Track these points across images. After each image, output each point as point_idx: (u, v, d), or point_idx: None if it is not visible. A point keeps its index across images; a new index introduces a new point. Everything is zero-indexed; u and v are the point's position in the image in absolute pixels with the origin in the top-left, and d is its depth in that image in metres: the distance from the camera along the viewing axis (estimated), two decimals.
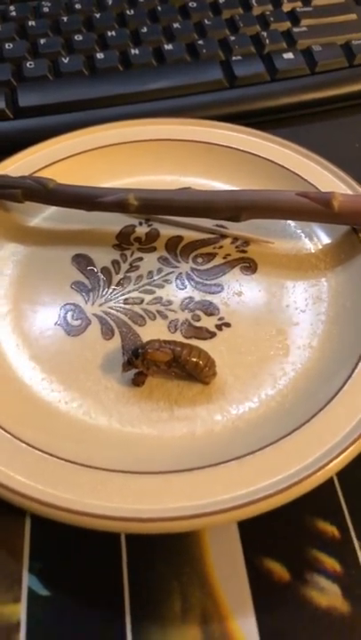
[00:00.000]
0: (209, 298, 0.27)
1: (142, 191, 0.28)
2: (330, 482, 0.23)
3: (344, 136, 0.36)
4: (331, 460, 0.21)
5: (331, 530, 0.22)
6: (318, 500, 0.22)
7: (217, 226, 0.29)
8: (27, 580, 0.21)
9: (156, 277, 0.28)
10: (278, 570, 0.21)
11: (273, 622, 0.20)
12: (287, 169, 0.31)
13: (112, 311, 0.26)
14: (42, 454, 0.21)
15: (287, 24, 0.40)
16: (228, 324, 0.26)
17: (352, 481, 0.23)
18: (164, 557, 0.21)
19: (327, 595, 0.21)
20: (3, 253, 0.28)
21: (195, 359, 0.23)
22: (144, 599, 0.21)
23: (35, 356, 0.25)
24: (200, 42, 0.39)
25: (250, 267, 0.28)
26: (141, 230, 0.30)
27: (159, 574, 0.21)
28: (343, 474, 0.22)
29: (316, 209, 0.26)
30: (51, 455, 0.21)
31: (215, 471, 0.21)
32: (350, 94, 0.38)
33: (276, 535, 0.22)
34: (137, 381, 0.24)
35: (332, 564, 0.21)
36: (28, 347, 0.25)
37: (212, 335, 0.25)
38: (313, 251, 0.28)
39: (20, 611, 0.20)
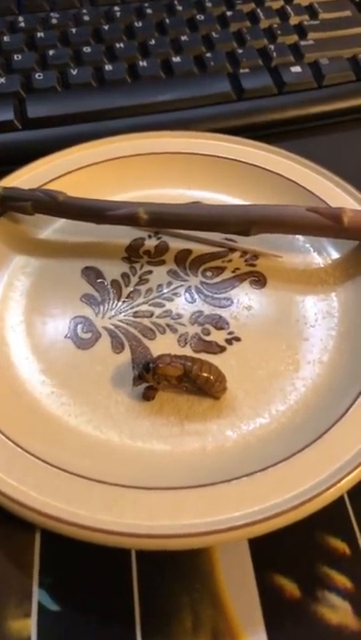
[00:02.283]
0: (218, 312, 0.27)
1: (152, 205, 0.28)
2: (340, 498, 0.23)
3: (351, 149, 0.36)
4: (343, 478, 0.21)
5: (341, 546, 0.22)
6: (329, 517, 0.22)
7: (226, 239, 0.29)
8: (37, 595, 0.21)
9: (165, 291, 0.28)
10: (289, 587, 0.21)
11: (284, 639, 0.20)
12: (295, 182, 0.31)
13: (122, 324, 0.27)
14: (53, 469, 0.21)
15: (294, 37, 0.40)
16: (237, 339, 0.26)
17: None
18: (175, 573, 0.21)
19: (338, 612, 0.21)
20: (13, 265, 0.29)
21: (205, 374, 0.23)
22: (155, 615, 0.21)
23: (44, 369, 0.25)
24: (208, 54, 0.39)
25: (259, 281, 0.28)
26: (150, 243, 0.30)
27: (170, 590, 0.21)
28: (353, 490, 0.22)
29: (326, 224, 0.27)
30: (62, 470, 0.21)
31: (227, 487, 0.21)
32: (357, 107, 0.38)
33: (287, 552, 0.22)
34: (147, 396, 0.24)
35: (342, 580, 0.21)
36: (37, 360, 0.25)
37: (222, 349, 0.26)
38: (322, 265, 0.29)
39: (31, 625, 0.20)
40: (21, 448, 0.22)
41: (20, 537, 0.22)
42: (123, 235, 0.30)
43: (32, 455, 0.22)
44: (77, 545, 0.20)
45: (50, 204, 0.28)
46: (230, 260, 0.29)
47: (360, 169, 0.35)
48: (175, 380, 0.23)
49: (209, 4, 0.42)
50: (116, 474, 0.21)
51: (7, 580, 0.21)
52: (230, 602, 0.21)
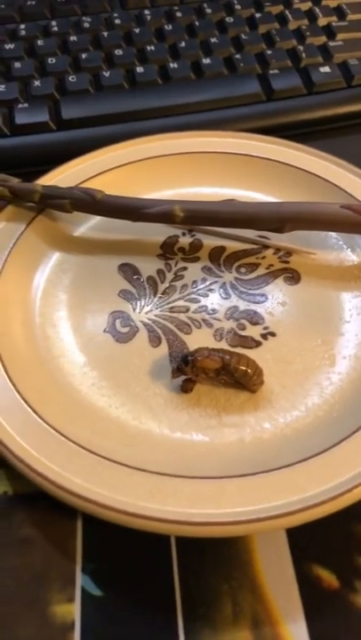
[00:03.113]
0: (253, 307, 0.27)
1: (188, 203, 0.29)
2: None
3: None
4: None
5: None
6: None
7: (259, 237, 0.30)
8: (80, 580, 0.22)
9: (200, 286, 0.28)
10: (327, 577, 0.22)
11: (323, 629, 0.20)
12: (327, 181, 0.31)
13: (158, 319, 0.27)
14: (97, 457, 0.22)
15: (323, 38, 0.41)
16: (273, 334, 0.26)
17: None
18: (214, 561, 0.22)
19: None
20: (52, 262, 0.29)
21: (244, 367, 0.24)
22: (196, 601, 0.21)
23: (85, 362, 0.26)
24: (237, 56, 0.39)
25: (293, 277, 0.28)
26: (185, 240, 0.30)
27: (209, 578, 0.22)
28: None
29: (360, 221, 0.27)
30: (105, 458, 0.22)
31: (266, 477, 0.21)
32: None
33: (325, 542, 0.22)
34: (185, 388, 0.25)
35: None
36: (78, 353, 0.26)
37: (258, 344, 0.26)
38: (356, 262, 0.29)
39: (75, 610, 0.21)
40: (65, 437, 0.22)
41: (63, 523, 0.23)
42: (157, 232, 0.31)
43: (75, 443, 0.22)
44: (119, 532, 0.21)
45: (88, 201, 0.29)
46: (264, 257, 0.29)
47: None
48: (213, 372, 0.24)
49: (238, 7, 0.43)
50: (157, 463, 0.22)
51: (51, 566, 0.22)
52: (269, 590, 0.21)
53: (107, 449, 0.22)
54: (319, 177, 0.31)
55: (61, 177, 0.32)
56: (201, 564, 0.22)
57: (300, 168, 0.32)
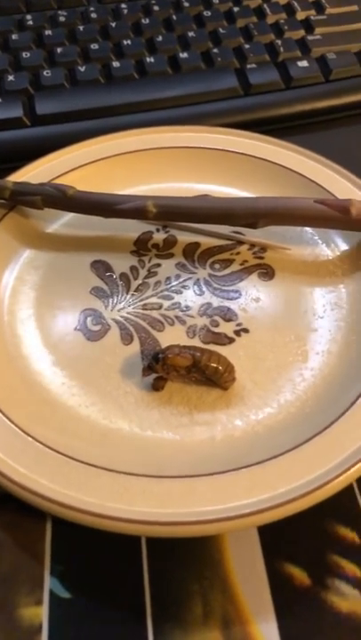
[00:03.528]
0: (227, 304, 0.27)
1: (161, 198, 0.28)
2: (350, 487, 0.23)
3: (359, 143, 0.36)
4: (352, 466, 0.21)
5: (351, 535, 0.22)
6: (338, 506, 0.23)
7: (234, 232, 0.30)
8: (48, 582, 0.21)
9: (173, 283, 0.28)
10: (299, 575, 0.21)
11: (294, 627, 0.20)
12: (303, 176, 0.31)
13: (131, 316, 0.27)
14: (64, 457, 0.21)
15: (301, 32, 0.40)
16: (246, 330, 0.26)
17: None
18: (185, 561, 0.22)
19: (348, 600, 0.21)
20: (23, 259, 0.29)
21: (215, 364, 0.23)
22: (165, 602, 0.21)
23: (55, 361, 0.25)
24: (215, 50, 0.39)
25: (267, 273, 0.28)
26: (159, 237, 0.30)
27: (180, 577, 0.21)
28: None
29: (335, 216, 0.27)
30: (73, 459, 0.21)
31: (236, 476, 0.21)
32: None
33: (297, 540, 0.22)
34: (157, 386, 0.24)
35: (352, 569, 0.21)
36: (48, 351, 0.25)
37: (231, 341, 0.26)
38: (330, 257, 0.29)
39: (42, 613, 0.21)
40: (32, 437, 0.22)
41: (32, 525, 0.22)
42: (131, 228, 0.30)
43: (43, 444, 0.22)
44: (88, 533, 0.20)
45: (59, 198, 0.29)
46: (238, 253, 0.29)
47: None
48: (184, 370, 0.24)
49: (216, 0, 0.43)
50: (127, 462, 0.22)
51: (19, 568, 0.22)
52: (240, 589, 0.21)
53: (75, 449, 0.22)
54: (295, 172, 0.31)
55: (34, 173, 0.31)
56: (172, 564, 0.22)
57: (275, 163, 0.32)
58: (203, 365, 0.23)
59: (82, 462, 0.21)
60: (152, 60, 0.38)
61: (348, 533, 0.22)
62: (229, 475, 0.21)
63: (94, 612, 0.21)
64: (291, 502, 0.20)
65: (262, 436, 0.23)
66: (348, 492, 0.23)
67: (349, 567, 0.21)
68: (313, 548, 0.22)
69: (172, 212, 0.28)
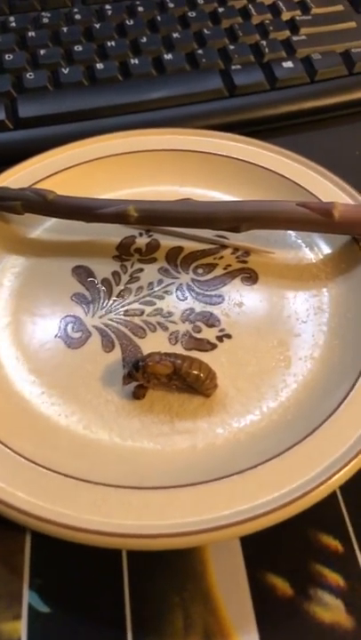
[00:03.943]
0: (210, 309, 0.27)
1: (142, 202, 0.28)
2: (333, 495, 0.23)
3: (344, 144, 0.36)
4: (334, 474, 0.20)
5: (334, 544, 0.22)
6: (321, 514, 0.22)
7: (217, 236, 0.29)
8: (27, 596, 0.21)
9: (156, 288, 0.28)
10: (281, 585, 0.21)
11: (276, 638, 0.20)
12: (287, 178, 0.31)
13: (112, 323, 0.26)
14: (42, 470, 0.21)
15: (286, 33, 0.40)
16: (228, 336, 0.26)
17: (355, 494, 0.23)
18: (166, 573, 0.21)
19: (331, 610, 0.21)
20: (2, 265, 0.28)
21: (195, 372, 0.23)
22: (146, 615, 0.20)
23: (34, 369, 0.25)
24: (200, 51, 0.39)
25: (251, 277, 0.28)
26: (142, 241, 0.30)
27: (161, 590, 0.21)
28: (346, 487, 0.22)
29: (317, 219, 0.26)
30: (51, 470, 0.21)
31: (217, 486, 0.21)
32: (350, 102, 0.38)
33: (279, 550, 0.22)
34: (138, 394, 0.24)
35: (335, 578, 0.21)
36: (27, 360, 0.25)
37: (213, 347, 0.25)
38: (314, 261, 0.28)
39: (21, 628, 0.20)
40: (9, 448, 0.22)
41: (10, 538, 0.22)
42: (113, 233, 0.30)
43: (20, 456, 0.21)
44: (68, 546, 0.20)
45: (39, 203, 0.28)
46: (222, 257, 0.29)
47: (353, 163, 0.35)
48: (165, 378, 0.23)
49: (200, 1, 0.42)
50: (105, 473, 0.21)
51: None
52: (222, 601, 0.21)
53: (53, 461, 0.21)
54: (279, 174, 0.31)
55: (14, 177, 0.31)
56: (152, 577, 0.21)
57: (259, 165, 0.31)
58: (184, 373, 0.23)
59: (60, 474, 0.21)
60: (136, 61, 0.38)
61: (332, 542, 0.22)
62: (210, 485, 0.21)
63: (74, 626, 0.20)
64: (272, 512, 0.20)
65: (244, 444, 0.22)
66: (331, 499, 0.22)
67: (332, 577, 0.21)
68: (296, 558, 0.21)
69: (154, 217, 0.28)
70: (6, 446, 0.22)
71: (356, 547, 0.22)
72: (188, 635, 0.20)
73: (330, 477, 0.20)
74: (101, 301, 0.27)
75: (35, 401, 0.24)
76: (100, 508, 0.20)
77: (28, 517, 0.19)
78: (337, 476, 0.20)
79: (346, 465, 0.21)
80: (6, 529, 0.22)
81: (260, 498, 0.20)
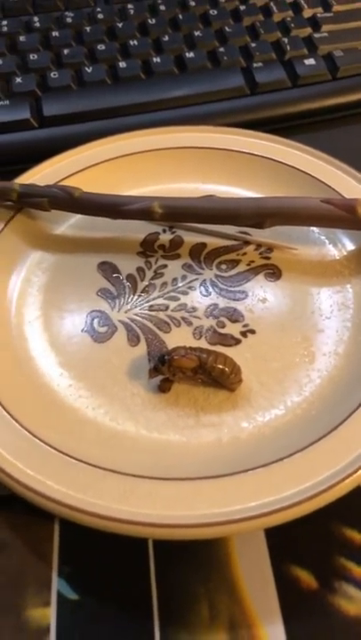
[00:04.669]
0: (233, 304, 0.27)
1: (167, 199, 0.28)
2: (357, 489, 0.23)
3: None
4: (359, 468, 0.21)
5: (358, 537, 0.22)
6: (346, 508, 0.22)
7: (240, 233, 0.29)
8: (56, 583, 0.21)
9: (180, 284, 0.28)
10: (306, 578, 0.21)
11: (301, 630, 0.20)
12: (310, 175, 0.31)
13: (137, 318, 0.27)
14: (71, 460, 0.21)
15: (308, 30, 0.40)
16: (252, 331, 0.26)
17: None
18: (192, 563, 0.22)
19: (355, 603, 0.21)
20: (30, 261, 0.29)
21: (221, 366, 0.23)
22: (172, 604, 0.21)
23: (62, 362, 0.25)
24: (221, 49, 0.39)
25: (274, 273, 0.28)
26: (165, 238, 0.30)
27: (187, 580, 0.21)
28: None
29: (341, 215, 0.26)
30: (80, 461, 0.21)
31: (243, 478, 0.21)
32: None
33: (304, 543, 0.22)
34: (163, 388, 0.24)
35: (359, 572, 0.21)
36: (56, 353, 0.26)
37: (237, 342, 0.26)
38: (337, 257, 0.28)
39: (50, 615, 0.21)
40: (39, 439, 0.22)
41: (40, 526, 0.22)
42: (138, 229, 0.30)
43: (50, 446, 0.22)
44: (96, 534, 0.20)
45: (66, 200, 0.29)
46: (245, 253, 0.29)
47: None
48: (190, 372, 0.24)
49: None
50: (133, 464, 0.22)
51: (27, 570, 0.22)
52: (247, 592, 0.21)
53: (81, 451, 0.22)
54: (301, 171, 0.31)
55: (41, 175, 0.31)
56: (178, 566, 0.22)
57: (282, 162, 0.31)
58: (209, 367, 0.23)
59: (88, 464, 0.21)
60: (158, 59, 0.38)
61: (356, 536, 0.22)
62: (236, 477, 0.21)
63: (101, 613, 0.21)
64: (297, 505, 0.20)
65: (269, 437, 0.23)
66: (356, 493, 0.23)
67: (357, 570, 0.21)
68: (320, 551, 0.22)
69: (178, 213, 0.28)
70: (36, 437, 0.22)
71: None
72: (213, 624, 0.20)
73: (355, 471, 0.20)
74: (126, 297, 0.28)
75: (63, 393, 0.24)
76: (128, 499, 0.20)
77: (59, 506, 0.20)
78: None
79: None
80: (35, 517, 0.22)
81: (285, 490, 0.20)
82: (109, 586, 0.21)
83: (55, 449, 0.22)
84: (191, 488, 0.21)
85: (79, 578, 0.21)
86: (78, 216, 0.31)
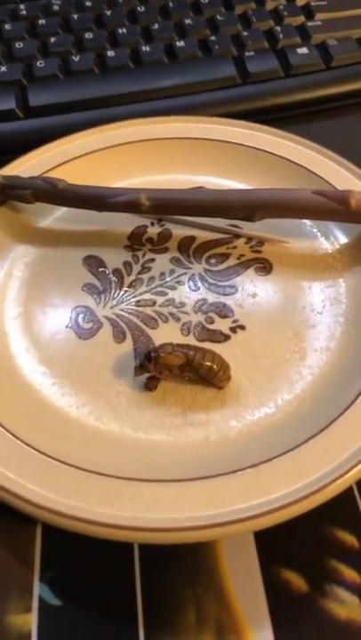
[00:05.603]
0: (223, 299, 0.26)
1: (154, 191, 0.27)
2: (349, 490, 0.22)
3: (360, 131, 0.35)
4: (350, 469, 0.20)
5: (350, 539, 0.21)
6: (337, 509, 0.22)
7: (231, 225, 0.29)
8: (38, 589, 0.21)
9: (168, 279, 0.27)
10: (296, 580, 0.21)
11: (290, 634, 0.20)
12: (302, 166, 0.30)
13: (124, 313, 0.26)
14: (53, 461, 0.21)
15: (301, 18, 0.39)
16: (242, 327, 0.25)
17: None
18: (179, 567, 0.21)
19: (346, 606, 0.20)
20: (13, 255, 0.28)
21: (208, 363, 0.23)
22: (158, 609, 0.20)
23: (45, 359, 0.24)
24: (212, 38, 0.38)
25: (265, 267, 0.27)
26: (153, 231, 0.29)
27: (173, 584, 0.21)
28: None
29: (333, 207, 0.26)
30: (62, 462, 0.21)
31: (231, 479, 0.20)
32: None
33: (294, 545, 0.21)
34: (149, 385, 0.23)
35: (351, 574, 0.21)
36: (38, 350, 0.25)
37: (227, 338, 0.25)
38: (330, 250, 0.28)
39: (32, 621, 0.20)
40: (21, 440, 0.21)
41: (21, 530, 0.22)
42: (125, 222, 0.29)
43: (31, 447, 0.21)
44: (79, 538, 0.20)
45: (50, 191, 0.28)
46: (235, 247, 0.28)
47: None
48: (177, 369, 0.23)
49: None
50: (117, 466, 0.21)
51: (8, 574, 0.21)
52: (235, 596, 0.20)
53: (64, 452, 0.21)
54: (294, 162, 0.30)
55: (25, 167, 0.30)
56: (164, 569, 0.21)
57: (273, 153, 0.31)
58: (196, 364, 0.22)
59: (71, 466, 0.21)
60: (148, 48, 0.37)
61: (348, 537, 0.21)
62: (223, 478, 0.20)
63: (85, 619, 0.20)
64: (287, 507, 0.19)
65: (258, 436, 0.22)
66: (347, 494, 0.22)
67: (348, 573, 0.21)
68: (311, 553, 0.21)
69: (166, 205, 0.27)
70: (17, 438, 0.21)
71: None
72: (200, 629, 0.20)
73: (346, 472, 0.20)
74: (113, 292, 0.27)
75: (45, 392, 0.23)
76: (111, 502, 0.20)
77: (39, 510, 0.19)
78: (353, 471, 0.20)
79: None
80: (17, 521, 0.22)
81: (274, 492, 0.20)
82: (93, 591, 0.21)
83: (37, 450, 0.21)
84: (177, 490, 0.20)
85: (61, 583, 0.21)
86: (64, 209, 0.30)
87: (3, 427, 0.22)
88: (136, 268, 0.28)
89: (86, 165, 0.31)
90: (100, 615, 0.20)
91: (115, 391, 0.23)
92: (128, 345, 0.25)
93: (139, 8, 0.40)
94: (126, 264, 0.28)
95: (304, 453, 0.21)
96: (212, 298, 0.26)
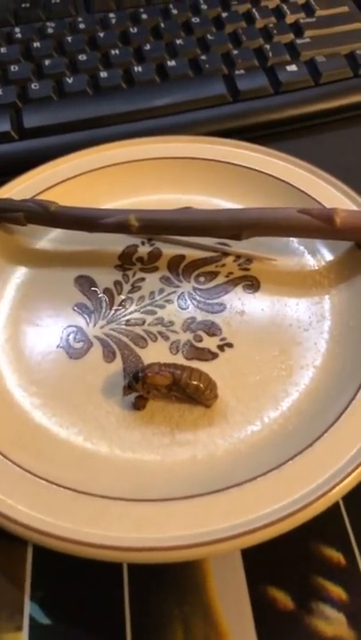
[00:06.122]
0: (211, 318, 0.27)
1: (143, 212, 0.28)
2: (335, 506, 0.22)
3: (350, 147, 0.36)
4: (335, 485, 0.20)
5: (336, 556, 0.21)
6: (323, 526, 0.22)
7: (219, 244, 0.29)
8: (28, 608, 0.21)
9: (157, 298, 0.28)
10: (282, 598, 0.21)
11: None
12: (290, 184, 0.30)
13: (114, 333, 0.26)
14: (42, 482, 0.21)
15: (290, 36, 0.40)
16: (230, 345, 0.26)
17: (358, 505, 0.22)
18: (166, 586, 0.21)
19: (333, 624, 0.20)
20: (5, 276, 0.29)
21: (195, 382, 0.23)
22: (146, 628, 0.20)
23: (35, 380, 0.25)
24: (203, 57, 0.39)
25: (252, 285, 0.28)
26: (144, 250, 0.30)
27: (161, 603, 0.21)
28: (349, 498, 0.22)
29: (319, 225, 0.26)
30: (50, 482, 0.21)
31: (216, 498, 0.20)
32: (355, 104, 0.37)
33: (281, 562, 0.21)
34: (138, 405, 0.24)
35: (337, 592, 0.21)
36: (28, 371, 0.25)
37: (215, 356, 0.25)
38: (316, 267, 0.28)
39: (22, 639, 0.20)
40: (10, 460, 0.22)
41: (12, 550, 0.22)
42: (116, 242, 0.30)
43: (20, 467, 0.21)
44: (69, 558, 0.20)
45: (42, 214, 0.28)
46: (224, 265, 0.29)
47: (359, 167, 0.34)
48: (165, 388, 0.23)
49: (204, 7, 0.42)
50: (105, 485, 0.21)
51: None
52: (222, 614, 0.21)
53: (53, 473, 0.21)
54: (282, 180, 0.31)
55: (18, 189, 0.31)
56: (153, 589, 0.21)
57: (262, 171, 0.31)
58: (183, 383, 0.23)
59: (59, 486, 0.21)
60: (140, 69, 0.38)
61: (334, 554, 0.22)
62: (209, 497, 0.20)
63: (75, 637, 0.20)
64: (271, 525, 0.19)
65: (245, 454, 0.22)
66: (334, 511, 0.22)
67: (335, 590, 0.21)
68: (297, 571, 0.21)
69: (155, 226, 0.28)
70: (6, 458, 0.22)
71: (359, 559, 0.21)
72: None
73: (331, 489, 0.20)
74: (103, 311, 0.27)
75: (35, 412, 0.24)
76: (98, 522, 0.20)
77: (27, 530, 0.20)
78: (338, 488, 0.20)
79: (347, 476, 0.20)
80: (8, 540, 0.22)
81: (259, 510, 0.20)
82: (82, 610, 0.21)
83: (26, 470, 0.21)
84: (163, 509, 0.20)
85: (52, 602, 0.21)
86: (58, 230, 0.30)
87: None
88: (126, 287, 0.28)
89: (77, 187, 0.31)
90: (89, 634, 0.20)
91: (104, 411, 0.24)
92: (118, 364, 0.25)
93: (131, 29, 0.41)
94: (117, 283, 0.28)
95: (288, 471, 0.21)
96: (200, 316, 0.27)
